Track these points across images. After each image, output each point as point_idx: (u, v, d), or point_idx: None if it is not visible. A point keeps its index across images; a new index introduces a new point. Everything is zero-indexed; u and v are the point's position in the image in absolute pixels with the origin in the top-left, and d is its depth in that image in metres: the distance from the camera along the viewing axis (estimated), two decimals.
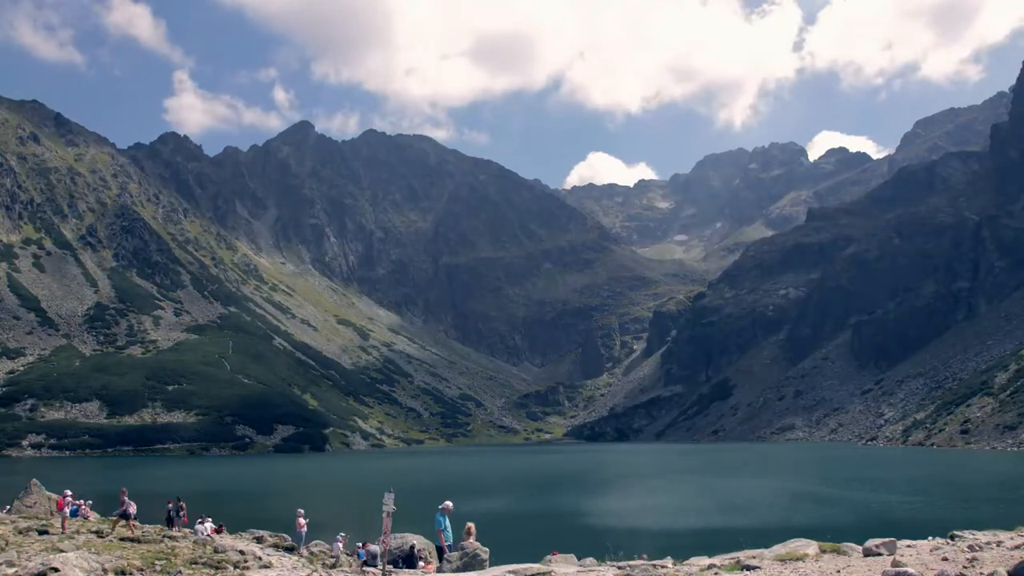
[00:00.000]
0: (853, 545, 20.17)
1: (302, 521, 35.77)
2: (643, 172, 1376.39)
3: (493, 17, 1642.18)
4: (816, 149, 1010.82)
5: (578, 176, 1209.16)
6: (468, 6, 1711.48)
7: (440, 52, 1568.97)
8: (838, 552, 19.43)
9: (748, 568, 17.79)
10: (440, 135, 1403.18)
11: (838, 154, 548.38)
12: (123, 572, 21.75)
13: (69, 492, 38.10)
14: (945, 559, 16.47)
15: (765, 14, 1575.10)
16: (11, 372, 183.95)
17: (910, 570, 14.38)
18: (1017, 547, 17.46)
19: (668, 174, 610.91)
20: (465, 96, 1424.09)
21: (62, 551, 23.32)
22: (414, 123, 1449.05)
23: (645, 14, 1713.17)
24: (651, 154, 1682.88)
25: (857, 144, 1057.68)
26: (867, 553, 18.55)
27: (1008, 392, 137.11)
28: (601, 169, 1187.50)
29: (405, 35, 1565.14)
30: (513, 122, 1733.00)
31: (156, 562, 23.89)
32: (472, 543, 23.27)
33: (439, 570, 24.46)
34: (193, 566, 24.16)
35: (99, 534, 30.36)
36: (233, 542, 32.76)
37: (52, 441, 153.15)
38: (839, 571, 16.41)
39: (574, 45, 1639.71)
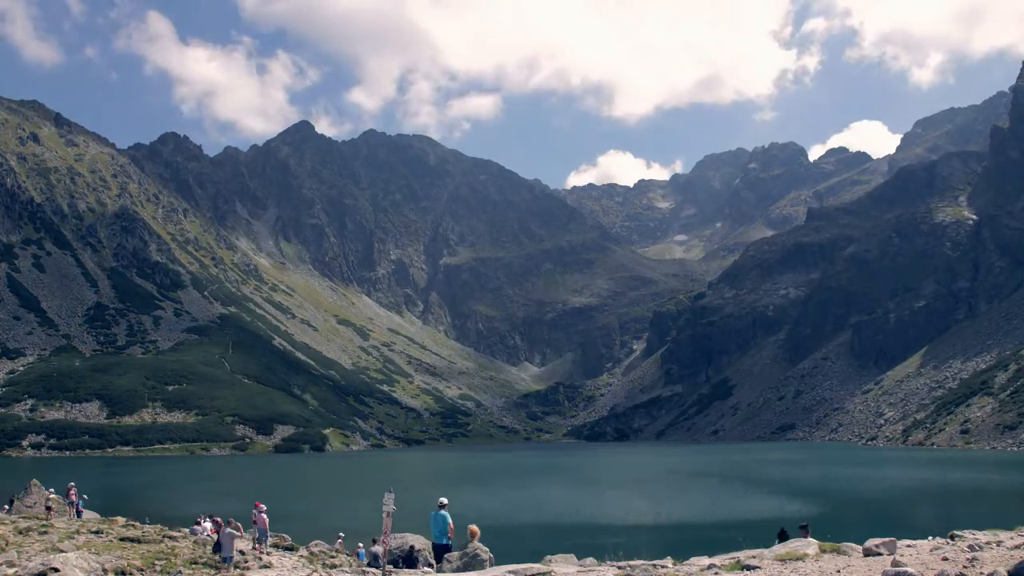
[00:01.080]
0: (853, 545, 20.16)
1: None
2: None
3: (514, 27, 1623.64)
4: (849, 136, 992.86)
5: (597, 174, 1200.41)
6: (484, 11, 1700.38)
7: (452, 59, 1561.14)
8: (838, 552, 19.42)
9: (748, 568, 17.79)
10: (447, 138, 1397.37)
11: (838, 154, 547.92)
12: (123, 572, 21.77)
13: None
14: (945, 559, 16.46)
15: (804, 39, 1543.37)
16: (11, 372, 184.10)
17: (910, 570, 14.38)
18: (1017, 547, 17.46)
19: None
20: (474, 102, 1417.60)
21: (62, 551, 23.32)
22: (423, 129, 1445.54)
23: (667, 27, 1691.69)
24: (681, 156, 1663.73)
25: (884, 133, 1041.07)
26: (867, 553, 18.54)
27: (1008, 392, 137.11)
28: (619, 168, 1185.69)
29: (417, 42, 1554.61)
30: (518, 125, 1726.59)
31: (156, 562, 23.91)
32: (475, 544, 23.31)
33: (439, 570, 24.48)
34: (193, 566, 24.17)
35: (99, 534, 30.36)
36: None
37: (52, 441, 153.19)
38: (839, 571, 16.40)
39: (581, 54, 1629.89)
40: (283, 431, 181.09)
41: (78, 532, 30.63)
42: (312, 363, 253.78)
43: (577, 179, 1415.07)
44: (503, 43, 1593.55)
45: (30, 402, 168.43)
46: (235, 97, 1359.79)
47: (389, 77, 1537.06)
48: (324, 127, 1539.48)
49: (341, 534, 38.29)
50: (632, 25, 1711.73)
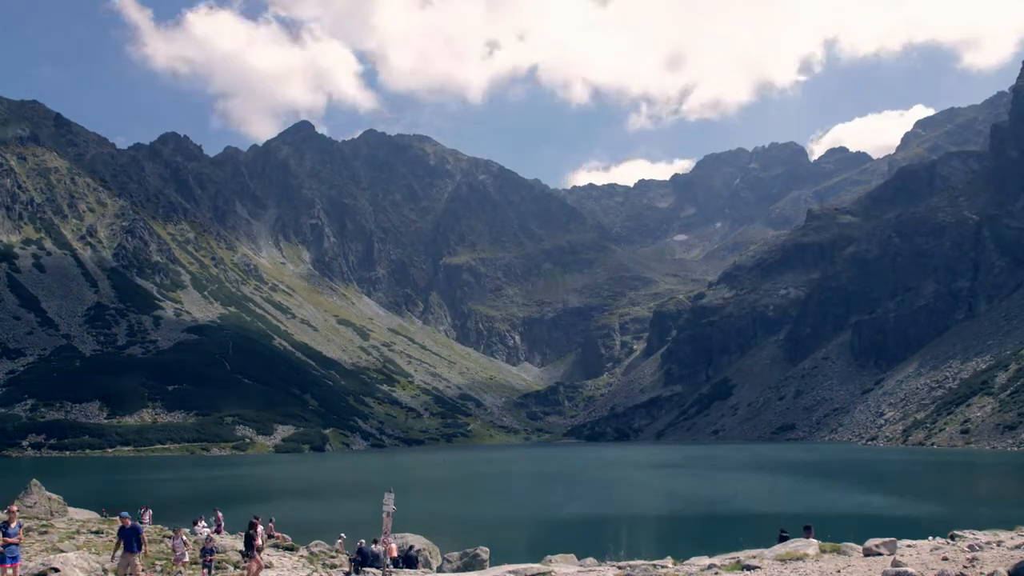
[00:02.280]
0: (853, 545, 20.18)
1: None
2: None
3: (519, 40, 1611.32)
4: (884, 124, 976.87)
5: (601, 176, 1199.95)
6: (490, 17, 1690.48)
7: (453, 59, 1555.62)
8: (838, 552, 19.43)
9: (748, 568, 17.80)
10: (446, 137, 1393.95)
11: (838, 154, 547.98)
12: None
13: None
14: (945, 559, 16.46)
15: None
16: (11, 372, 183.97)
17: (910, 570, 14.38)
18: (1017, 547, 17.46)
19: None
20: (475, 100, 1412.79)
21: (62, 551, 23.33)
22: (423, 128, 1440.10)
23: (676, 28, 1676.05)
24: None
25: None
26: (867, 553, 18.55)
27: (1008, 392, 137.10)
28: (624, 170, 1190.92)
29: (422, 45, 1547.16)
30: (519, 125, 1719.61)
31: (156, 562, 23.93)
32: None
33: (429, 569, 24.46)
34: (193, 566, 24.19)
35: (99, 534, 30.36)
36: (233, 542, 32.76)
37: (52, 441, 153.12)
38: (839, 571, 16.41)
39: (587, 57, 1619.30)
40: (283, 431, 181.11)
41: (78, 532, 30.63)
42: (312, 363, 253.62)
43: (578, 179, 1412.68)
44: (506, 45, 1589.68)
45: (30, 402, 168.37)
46: (236, 96, 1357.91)
47: (395, 78, 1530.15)
48: (324, 129, 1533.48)
49: (342, 534, 38.29)
50: (639, 27, 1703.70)
